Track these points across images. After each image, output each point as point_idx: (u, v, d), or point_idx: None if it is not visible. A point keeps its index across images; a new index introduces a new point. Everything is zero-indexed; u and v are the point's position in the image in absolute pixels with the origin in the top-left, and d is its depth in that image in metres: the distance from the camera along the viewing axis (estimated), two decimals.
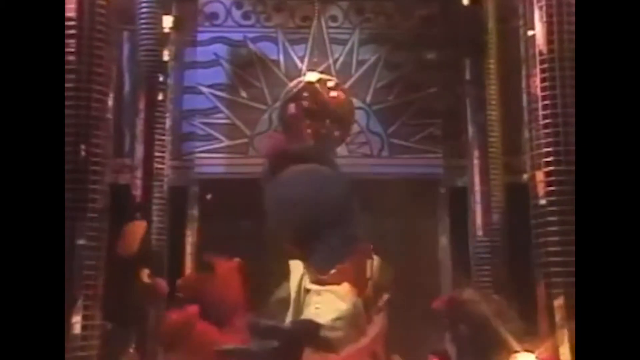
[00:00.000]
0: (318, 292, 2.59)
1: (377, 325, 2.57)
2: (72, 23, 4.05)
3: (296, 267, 2.72)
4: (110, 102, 4.28)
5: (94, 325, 4.00)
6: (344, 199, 2.77)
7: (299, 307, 2.59)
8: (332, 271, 2.58)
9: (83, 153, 3.98)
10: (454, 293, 2.39)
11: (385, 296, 2.58)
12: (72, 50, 4.04)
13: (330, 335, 2.43)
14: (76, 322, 3.84)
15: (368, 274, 2.62)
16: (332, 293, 2.53)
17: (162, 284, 4.99)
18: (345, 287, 2.53)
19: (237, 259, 5.59)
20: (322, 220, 2.65)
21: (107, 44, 4.22)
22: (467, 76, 7.66)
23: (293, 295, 2.64)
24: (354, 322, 2.50)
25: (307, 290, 2.61)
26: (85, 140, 4.02)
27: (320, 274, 2.61)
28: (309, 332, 2.41)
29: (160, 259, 6.10)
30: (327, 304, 2.53)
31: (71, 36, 4.04)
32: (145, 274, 4.57)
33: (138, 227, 4.57)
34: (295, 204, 2.68)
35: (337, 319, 2.47)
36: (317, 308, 2.52)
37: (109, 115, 4.31)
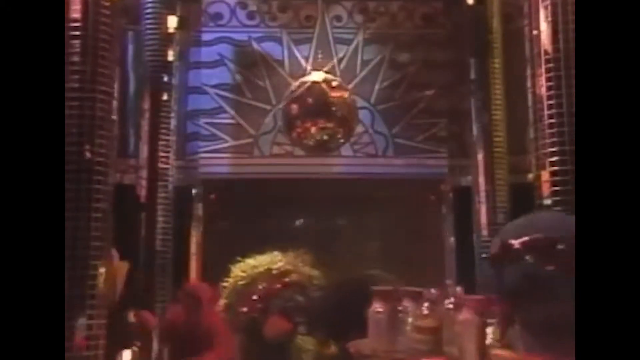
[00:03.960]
0: None
1: None
2: (77, 24, 4.06)
3: None
4: (114, 103, 4.29)
5: (100, 324, 4.01)
6: None
7: None
8: None
9: (87, 153, 3.99)
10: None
11: None
12: (77, 51, 4.05)
13: None
14: (81, 323, 3.86)
15: None
16: None
17: (149, 317, 4.99)
18: None
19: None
20: None
21: (112, 45, 4.22)
22: (472, 76, 7.65)
23: None
24: None
25: None
26: (89, 140, 4.02)
27: None
28: None
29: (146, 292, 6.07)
30: None
31: (75, 37, 4.05)
32: (131, 315, 4.58)
33: (120, 270, 4.51)
34: None
35: None
36: None
37: (113, 116, 4.32)
